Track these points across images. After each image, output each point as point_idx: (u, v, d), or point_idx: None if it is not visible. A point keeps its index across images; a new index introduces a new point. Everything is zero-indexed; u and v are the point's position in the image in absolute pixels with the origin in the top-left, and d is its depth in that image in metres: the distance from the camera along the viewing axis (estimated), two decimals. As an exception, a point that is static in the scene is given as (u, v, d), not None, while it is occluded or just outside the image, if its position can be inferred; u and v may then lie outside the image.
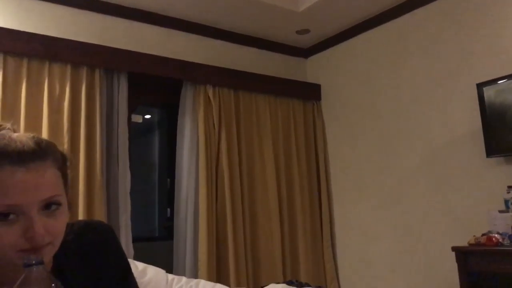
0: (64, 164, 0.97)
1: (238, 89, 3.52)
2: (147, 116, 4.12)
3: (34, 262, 0.83)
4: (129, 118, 3.15)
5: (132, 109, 3.22)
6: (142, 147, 4.13)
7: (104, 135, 2.94)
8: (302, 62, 4.10)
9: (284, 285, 1.35)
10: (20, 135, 0.94)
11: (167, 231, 3.89)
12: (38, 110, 2.71)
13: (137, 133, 3.69)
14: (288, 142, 3.69)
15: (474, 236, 2.53)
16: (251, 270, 3.32)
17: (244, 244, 3.29)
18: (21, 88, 2.68)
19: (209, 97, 3.35)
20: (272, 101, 3.68)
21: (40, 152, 0.92)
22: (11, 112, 2.62)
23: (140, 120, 3.89)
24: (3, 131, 0.93)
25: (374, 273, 3.45)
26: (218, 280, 2.98)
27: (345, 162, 3.76)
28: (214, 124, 3.34)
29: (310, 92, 3.91)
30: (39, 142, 0.94)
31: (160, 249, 3.78)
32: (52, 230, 0.91)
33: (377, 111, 3.53)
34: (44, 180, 0.89)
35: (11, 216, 0.85)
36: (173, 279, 1.43)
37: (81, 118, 2.83)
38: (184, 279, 1.46)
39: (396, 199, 3.35)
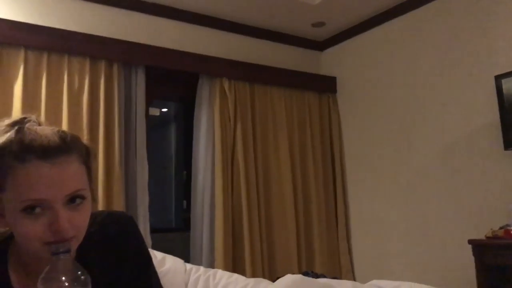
0: (88, 157, 0.99)
1: (254, 82, 3.53)
2: (164, 110, 4.16)
3: (61, 250, 0.86)
4: (146, 111, 3.19)
5: (149, 102, 3.26)
6: (159, 140, 4.18)
7: (122, 128, 2.99)
8: (317, 55, 4.09)
9: (300, 275, 1.37)
10: (45, 129, 0.96)
11: (184, 222, 3.94)
12: (58, 104, 2.77)
13: (154, 126, 3.73)
14: (303, 134, 3.70)
15: (491, 229, 2.52)
16: (267, 261, 3.35)
17: (259, 235, 3.32)
18: (41, 82, 2.74)
19: (225, 90, 3.37)
20: (288, 94, 3.69)
21: (65, 147, 0.93)
22: (32, 105, 2.68)
23: (158, 113, 3.93)
24: (29, 124, 0.95)
25: (389, 266, 3.45)
26: (234, 270, 3.01)
27: (361, 155, 3.75)
28: (229, 117, 3.37)
29: (326, 85, 3.91)
30: (64, 137, 0.95)
31: (177, 240, 3.84)
32: (76, 223, 0.93)
33: (393, 104, 3.51)
34: (69, 174, 0.91)
35: (37, 210, 0.87)
36: (191, 269, 1.46)
37: (100, 111, 2.88)
38: (202, 269, 1.49)
39: (412, 192, 3.34)
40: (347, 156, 3.87)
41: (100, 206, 2.74)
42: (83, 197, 0.92)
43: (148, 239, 2.95)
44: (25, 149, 0.90)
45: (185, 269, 1.45)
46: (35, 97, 2.72)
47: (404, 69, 3.44)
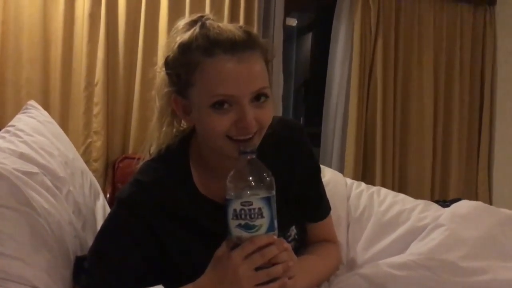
0: (268, 55, 0.96)
1: (401, -9, 3.20)
2: (299, 21, 3.99)
3: (248, 150, 0.85)
4: (284, 21, 3.09)
5: (287, 13, 3.15)
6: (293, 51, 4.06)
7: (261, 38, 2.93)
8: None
9: (480, 202, 1.25)
10: (228, 25, 0.94)
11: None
12: (201, 10, 2.76)
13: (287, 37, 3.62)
14: (452, 53, 3.33)
15: None
16: (397, 184, 3.23)
17: (392, 156, 3.18)
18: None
19: (368, 0, 3.11)
20: (438, 6, 3.30)
21: (250, 42, 0.91)
22: (177, 11, 2.70)
23: (294, 24, 3.80)
24: (209, 21, 0.92)
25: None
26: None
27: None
28: (371, 30, 3.13)
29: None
30: (249, 32, 0.93)
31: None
32: (261, 120, 0.92)
33: None
34: (255, 71, 0.89)
35: (225, 106, 0.87)
36: (352, 183, 1.41)
37: (240, 19, 2.83)
38: (363, 184, 1.43)
39: None
40: (500, 81, 3.44)
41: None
42: (267, 95, 0.91)
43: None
44: (212, 43, 0.88)
45: (346, 183, 1.40)
46: (179, 3, 2.74)
47: None
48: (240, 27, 0.92)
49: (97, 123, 2.59)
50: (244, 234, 0.81)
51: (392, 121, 3.18)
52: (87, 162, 2.53)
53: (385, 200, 1.33)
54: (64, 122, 2.57)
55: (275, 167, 0.86)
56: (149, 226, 0.95)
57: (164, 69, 0.95)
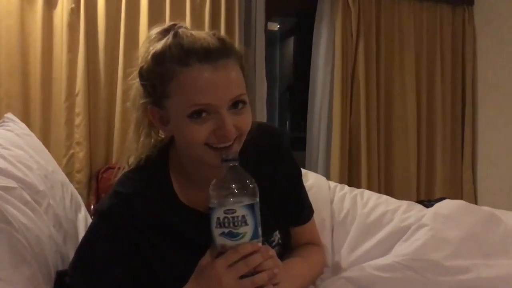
0: (242, 61, 0.96)
1: (380, -7, 3.23)
2: (281, 25, 4.01)
3: (230, 157, 0.85)
4: (265, 26, 3.09)
5: (268, 17, 3.15)
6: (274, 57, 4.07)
7: (242, 44, 2.93)
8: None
9: (462, 201, 1.26)
10: (201, 33, 0.93)
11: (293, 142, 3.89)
12: (181, 16, 2.75)
13: (271, 42, 3.63)
14: (432, 54, 3.36)
15: None
16: (383, 185, 3.25)
17: (377, 160, 3.20)
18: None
19: (348, 2, 3.13)
20: (418, 7, 3.33)
21: (225, 49, 0.90)
22: (157, 19, 2.69)
23: (276, 28, 3.82)
24: (181, 29, 0.92)
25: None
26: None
27: (496, 79, 3.36)
28: (352, 33, 3.15)
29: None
30: (222, 39, 0.92)
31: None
32: (240, 126, 0.92)
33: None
34: (231, 79, 0.88)
35: (204, 114, 0.86)
36: (335, 186, 1.41)
37: (221, 24, 2.83)
38: (346, 187, 1.43)
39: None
40: (480, 79, 3.48)
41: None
42: (244, 102, 0.90)
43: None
44: (187, 52, 0.88)
45: (329, 186, 1.40)
46: (160, 10, 2.73)
47: None
48: (214, 34, 0.91)
49: (79, 133, 2.56)
50: (228, 242, 0.81)
51: (376, 123, 3.20)
52: (70, 173, 2.50)
53: (368, 202, 1.33)
54: (45, 134, 2.54)
55: (257, 173, 0.86)
56: (130, 238, 0.93)
57: (138, 80, 0.94)
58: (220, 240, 0.81)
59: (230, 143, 0.88)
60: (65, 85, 2.56)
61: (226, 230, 0.80)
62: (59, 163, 2.32)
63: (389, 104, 3.28)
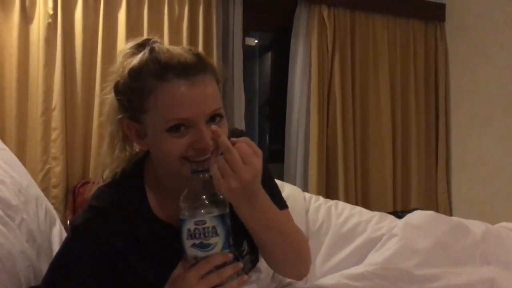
0: (218, 75, 0.97)
1: (355, 9, 3.30)
2: (259, 40, 4.05)
3: (200, 169, 0.86)
4: (243, 41, 3.13)
5: (246, 32, 3.19)
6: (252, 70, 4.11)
7: (220, 58, 2.97)
8: (424, -21, 3.72)
9: (432, 212, 1.29)
10: (176, 48, 0.94)
11: (273, 155, 3.91)
12: (159, 31, 2.77)
13: (250, 56, 3.67)
14: (406, 68, 3.46)
15: None
16: (361, 197, 3.29)
17: (354, 172, 3.25)
18: (143, 11, 2.74)
19: (323, 18, 3.20)
20: (391, 22, 3.42)
21: (202, 65, 0.92)
22: (135, 34, 2.70)
23: (254, 43, 3.86)
24: (156, 44, 0.93)
25: (493, 209, 3.25)
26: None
27: (468, 91, 3.46)
28: (328, 48, 3.21)
29: (433, 12, 3.56)
30: (198, 54, 0.94)
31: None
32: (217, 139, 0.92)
33: (510, 38, 3.14)
34: (208, 93, 0.90)
35: (182, 129, 0.88)
36: (311, 197, 1.44)
37: (199, 40, 2.86)
38: (321, 198, 1.46)
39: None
40: (453, 92, 3.58)
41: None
42: (221, 116, 0.92)
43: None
44: (164, 67, 0.89)
45: (305, 197, 1.42)
46: (137, 25, 2.75)
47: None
48: (190, 49, 0.93)
49: (56, 148, 2.54)
50: (199, 253, 0.82)
51: (352, 136, 3.25)
52: (46, 188, 2.47)
53: (342, 213, 1.35)
54: (21, 148, 2.51)
55: None
56: (105, 252, 0.93)
57: (113, 94, 0.94)
58: (191, 251, 0.82)
59: (207, 156, 0.89)
60: (42, 100, 2.53)
61: (197, 241, 0.81)
62: (35, 178, 2.32)
63: (365, 116, 3.34)
